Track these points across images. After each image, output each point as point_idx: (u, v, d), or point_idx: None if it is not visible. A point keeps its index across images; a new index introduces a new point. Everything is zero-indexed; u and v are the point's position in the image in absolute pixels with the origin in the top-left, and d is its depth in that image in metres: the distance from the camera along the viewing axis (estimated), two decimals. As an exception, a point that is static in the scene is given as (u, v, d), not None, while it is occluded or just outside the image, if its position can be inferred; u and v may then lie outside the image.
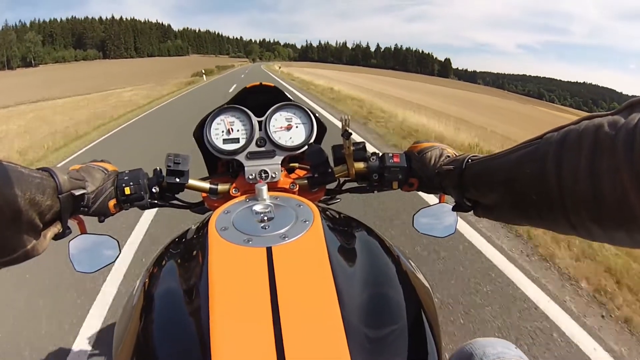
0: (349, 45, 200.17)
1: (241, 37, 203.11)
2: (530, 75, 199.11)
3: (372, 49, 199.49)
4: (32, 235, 0.40)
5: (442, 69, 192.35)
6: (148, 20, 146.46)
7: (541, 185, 0.34)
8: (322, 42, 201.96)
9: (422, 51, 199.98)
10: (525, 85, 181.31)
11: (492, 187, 0.43)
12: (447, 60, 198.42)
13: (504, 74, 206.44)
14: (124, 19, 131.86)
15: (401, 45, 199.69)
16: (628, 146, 0.27)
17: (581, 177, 0.30)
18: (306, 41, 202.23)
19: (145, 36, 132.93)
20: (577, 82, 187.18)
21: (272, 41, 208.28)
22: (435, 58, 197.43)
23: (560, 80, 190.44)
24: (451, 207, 0.55)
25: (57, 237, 0.46)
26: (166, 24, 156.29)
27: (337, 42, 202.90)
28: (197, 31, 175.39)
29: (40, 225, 0.41)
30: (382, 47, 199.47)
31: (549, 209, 0.34)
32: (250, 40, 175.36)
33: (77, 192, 0.48)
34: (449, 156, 0.56)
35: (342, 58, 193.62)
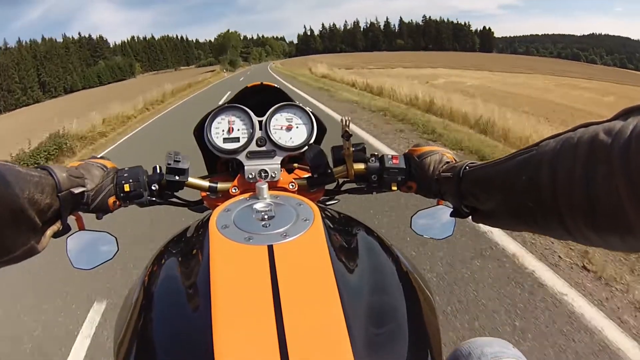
0: (362, 26, 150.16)
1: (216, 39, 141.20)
2: (540, 35, 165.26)
3: (391, 26, 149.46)
4: (32, 234, 0.40)
5: (483, 42, 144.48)
6: (66, 38, 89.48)
7: (536, 192, 0.34)
8: (327, 26, 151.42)
9: (457, 21, 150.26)
10: (546, 47, 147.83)
11: (489, 194, 0.44)
12: (488, 31, 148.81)
13: (513, 36, 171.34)
14: (24, 43, 74.64)
15: (429, 16, 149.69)
16: (623, 153, 0.27)
17: (576, 184, 0.30)
18: (304, 27, 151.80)
19: (55, 63, 78.61)
20: (592, 34, 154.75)
21: (257, 37, 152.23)
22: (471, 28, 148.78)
23: (573, 35, 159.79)
24: (448, 208, 0.56)
25: (56, 234, 0.46)
26: (96, 37, 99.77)
27: (345, 23, 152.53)
28: (146, 39, 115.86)
29: (40, 224, 0.41)
30: (403, 23, 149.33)
31: (545, 216, 0.35)
32: (228, 30, 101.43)
33: (77, 190, 0.47)
34: (448, 162, 0.56)
35: (357, 44, 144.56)
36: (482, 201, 0.46)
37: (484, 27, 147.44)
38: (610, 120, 0.31)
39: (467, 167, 0.49)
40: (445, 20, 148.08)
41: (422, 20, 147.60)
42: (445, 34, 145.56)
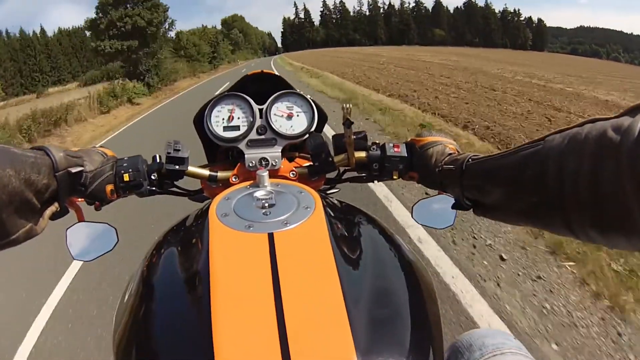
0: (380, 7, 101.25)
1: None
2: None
3: (422, 10, 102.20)
4: (30, 216, 0.40)
5: (534, 37, 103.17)
6: None
7: (542, 188, 0.34)
8: (332, 4, 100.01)
9: (505, 8, 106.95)
10: (551, 40, 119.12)
11: (492, 187, 0.43)
12: (539, 23, 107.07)
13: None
14: None
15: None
16: (632, 151, 0.27)
17: (582, 181, 0.30)
18: (296, 7, 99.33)
19: None
20: (580, 26, 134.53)
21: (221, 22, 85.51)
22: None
23: (563, 27, 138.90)
24: (450, 197, 0.56)
25: (55, 216, 0.46)
26: None
27: (359, 3, 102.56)
28: (24, 36, 44.84)
29: (38, 205, 0.41)
30: (440, 5, 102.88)
31: (549, 211, 0.35)
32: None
33: (74, 170, 0.46)
34: (451, 153, 0.55)
35: (377, 32, 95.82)
36: (485, 194, 0.45)
37: (530, 18, 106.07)
38: (617, 117, 0.30)
39: (470, 160, 0.48)
40: (490, 5, 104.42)
41: (464, 4, 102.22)
42: (495, 25, 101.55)
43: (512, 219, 0.43)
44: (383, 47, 78.18)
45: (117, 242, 0.59)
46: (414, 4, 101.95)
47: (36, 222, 0.41)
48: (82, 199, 0.54)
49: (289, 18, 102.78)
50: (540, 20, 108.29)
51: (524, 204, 0.38)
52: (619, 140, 0.28)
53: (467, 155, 0.50)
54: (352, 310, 0.33)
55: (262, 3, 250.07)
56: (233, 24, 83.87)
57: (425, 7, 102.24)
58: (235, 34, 77.72)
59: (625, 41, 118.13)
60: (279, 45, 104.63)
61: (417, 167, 0.59)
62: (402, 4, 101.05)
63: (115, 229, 0.58)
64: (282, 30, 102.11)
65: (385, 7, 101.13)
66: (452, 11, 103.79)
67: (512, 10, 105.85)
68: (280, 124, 0.65)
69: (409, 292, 0.42)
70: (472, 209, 0.50)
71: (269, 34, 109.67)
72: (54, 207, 0.45)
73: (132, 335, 0.39)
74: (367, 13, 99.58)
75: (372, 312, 0.36)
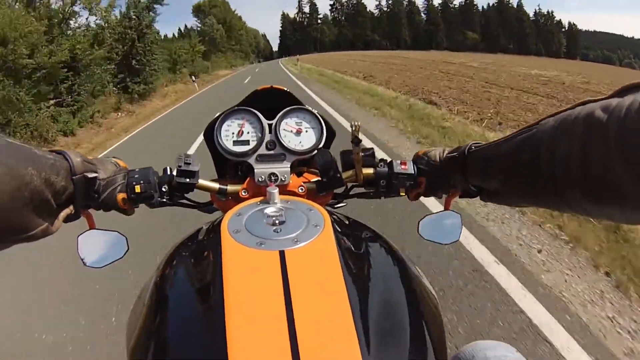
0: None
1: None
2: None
3: (450, 9, 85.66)
4: (47, 215, 0.42)
5: (568, 43, 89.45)
6: None
7: (536, 171, 0.36)
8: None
9: (539, 9, 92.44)
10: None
11: (493, 172, 0.45)
12: (573, 27, 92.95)
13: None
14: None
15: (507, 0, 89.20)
16: (619, 129, 0.27)
17: (574, 161, 0.31)
18: (299, 2, 79.87)
19: None
20: (585, 30, 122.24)
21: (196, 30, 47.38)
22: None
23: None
24: (455, 213, 0.57)
25: (69, 219, 0.47)
26: None
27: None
28: None
29: (55, 206, 0.42)
30: (472, 5, 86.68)
31: (546, 192, 0.36)
32: None
33: (90, 175, 0.48)
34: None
35: (398, 32, 78.97)
36: (487, 180, 0.47)
37: (560, 22, 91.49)
38: (607, 97, 0.31)
39: (471, 147, 0.50)
40: (523, 6, 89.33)
41: (496, 3, 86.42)
42: (530, 29, 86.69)
43: (515, 202, 0.45)
44: (427, 51, 60.02)
45: (127, 251, 0.60)
46: (441, 1, 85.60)
47: (52, 222, 0.43)
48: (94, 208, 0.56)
49: (288, 15, 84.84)
50: (572, 24, 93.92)
51: (524, 187, 0.39)
52: (606, 120, 0.29)
53: (469, 143, 0.52)
54: (360, 328, 0.35)
55: (255, 2, 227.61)
56: (211, 10, 55.75)
57: (454, 5, 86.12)
58: (211, 25, 49.94)
59: (630, 46, 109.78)
60: (275, 49, 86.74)
61: (423, 170, 0.61)
62: (428, 0, 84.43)
63: (126, 237, 0.60)
64: (281, 28, 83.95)
65: (406, 3, 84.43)
66: (481, 12, 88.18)
67: (545, 13, 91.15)
68: (289, 140, 0.66)
69: (415, 310, 0.43)
70: (478, 196, 0.52)
71: (264, 35, 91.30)
72: (68, 210, 0.46)
73: (146, 350, 0.39)
74: (387, 10, 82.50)
75: (379, 329, 0.37)
